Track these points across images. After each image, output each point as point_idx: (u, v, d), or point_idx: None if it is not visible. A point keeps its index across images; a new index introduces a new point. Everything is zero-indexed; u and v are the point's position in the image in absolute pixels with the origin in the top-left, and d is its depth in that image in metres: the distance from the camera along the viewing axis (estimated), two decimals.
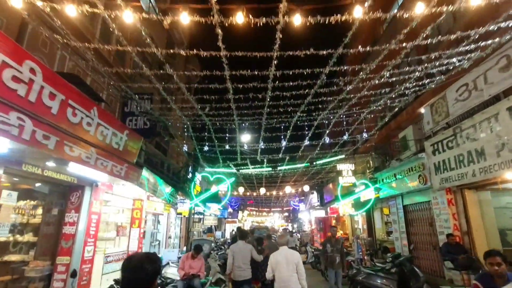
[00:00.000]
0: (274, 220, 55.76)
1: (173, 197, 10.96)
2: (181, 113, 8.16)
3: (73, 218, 6.70)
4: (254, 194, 24.34)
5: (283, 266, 4.46)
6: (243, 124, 7.87)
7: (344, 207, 17.17)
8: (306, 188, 19.26)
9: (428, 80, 6.69)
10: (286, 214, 49.13)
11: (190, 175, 11.56)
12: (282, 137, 8.01)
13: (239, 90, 5.98)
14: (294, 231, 27.80)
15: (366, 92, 6.92)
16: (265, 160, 10.97)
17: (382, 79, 5.94)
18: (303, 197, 28.53)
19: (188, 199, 11.34)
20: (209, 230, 25.11)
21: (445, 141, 7.80)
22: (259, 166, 12.01)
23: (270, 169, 12.32)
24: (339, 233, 18.94)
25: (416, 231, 10.24)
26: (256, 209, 43.98)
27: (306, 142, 8.00)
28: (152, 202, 11.48)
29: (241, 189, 20.03)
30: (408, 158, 9.76)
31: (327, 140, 8.10)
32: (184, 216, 14.89)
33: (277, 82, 5.67)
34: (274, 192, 23.03)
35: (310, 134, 7.81)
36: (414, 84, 6.57)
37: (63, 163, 5.31)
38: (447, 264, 7.63)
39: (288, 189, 19.33)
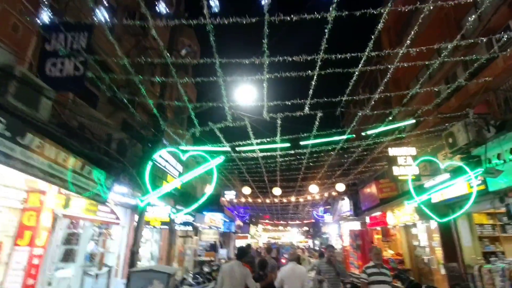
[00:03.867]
0: (292, 236, 49.69)
1: (108, 189, 6.02)
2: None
3: None
4: (267, 201, 19.00)
5: (291, 279, 5.04)
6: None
7: (396, 214, 11.71)
8: (341, 187, 13.76)
9: None
10: (306, 228, 42.94)
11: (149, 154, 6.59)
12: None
13: None
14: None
15: None
16: (278, 120, 5.93)
17: None
18: (328, 206, 22.88)
19: (141, 193, 6.36)
20: (213, 247, 20.03)
21: None
22: (268, 140, 6.99)
23: (288, 145, 7.20)
24: (389, 253, 13.29)
25: None
26: (271, 222, 38.32)
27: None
28: (82, 200, 6.56)
29: (246, 190, 14.71)
30: None
31: None
32: (158, 227, 9.92)
33: None
34: (292, 198, 17.69)
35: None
36: None
37: None
38: None
39: (314, 189, 13.91)
